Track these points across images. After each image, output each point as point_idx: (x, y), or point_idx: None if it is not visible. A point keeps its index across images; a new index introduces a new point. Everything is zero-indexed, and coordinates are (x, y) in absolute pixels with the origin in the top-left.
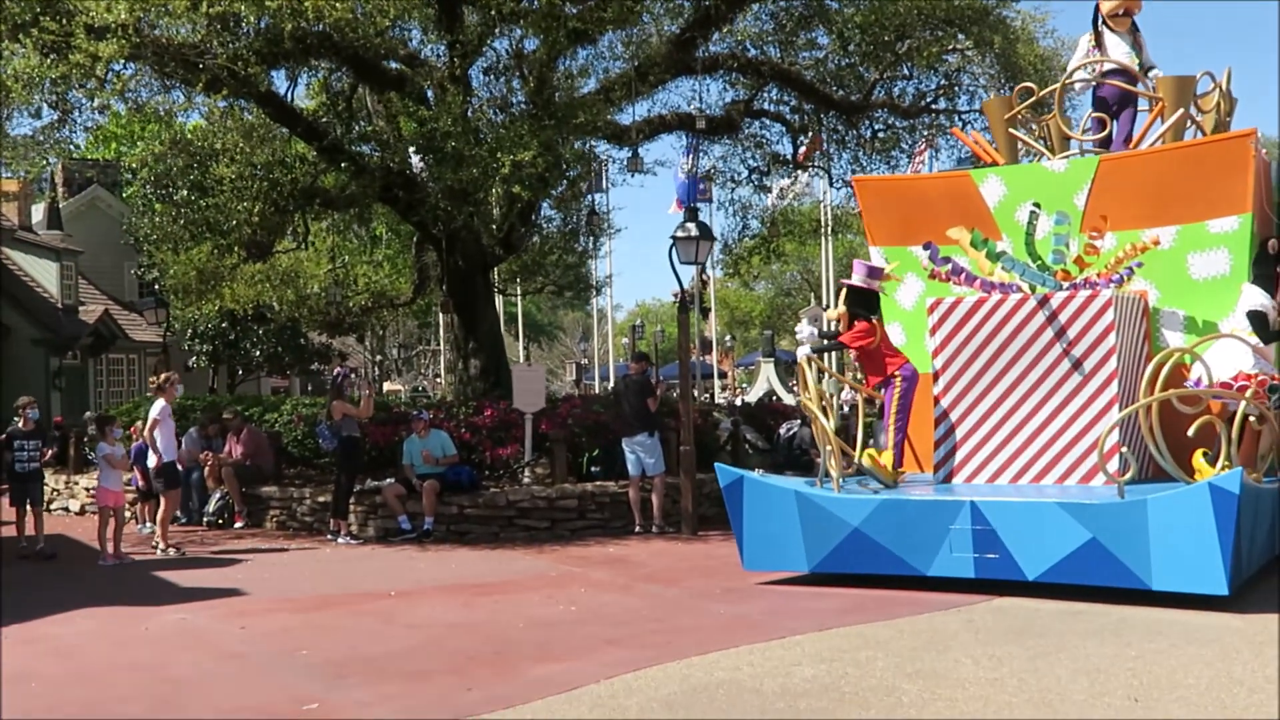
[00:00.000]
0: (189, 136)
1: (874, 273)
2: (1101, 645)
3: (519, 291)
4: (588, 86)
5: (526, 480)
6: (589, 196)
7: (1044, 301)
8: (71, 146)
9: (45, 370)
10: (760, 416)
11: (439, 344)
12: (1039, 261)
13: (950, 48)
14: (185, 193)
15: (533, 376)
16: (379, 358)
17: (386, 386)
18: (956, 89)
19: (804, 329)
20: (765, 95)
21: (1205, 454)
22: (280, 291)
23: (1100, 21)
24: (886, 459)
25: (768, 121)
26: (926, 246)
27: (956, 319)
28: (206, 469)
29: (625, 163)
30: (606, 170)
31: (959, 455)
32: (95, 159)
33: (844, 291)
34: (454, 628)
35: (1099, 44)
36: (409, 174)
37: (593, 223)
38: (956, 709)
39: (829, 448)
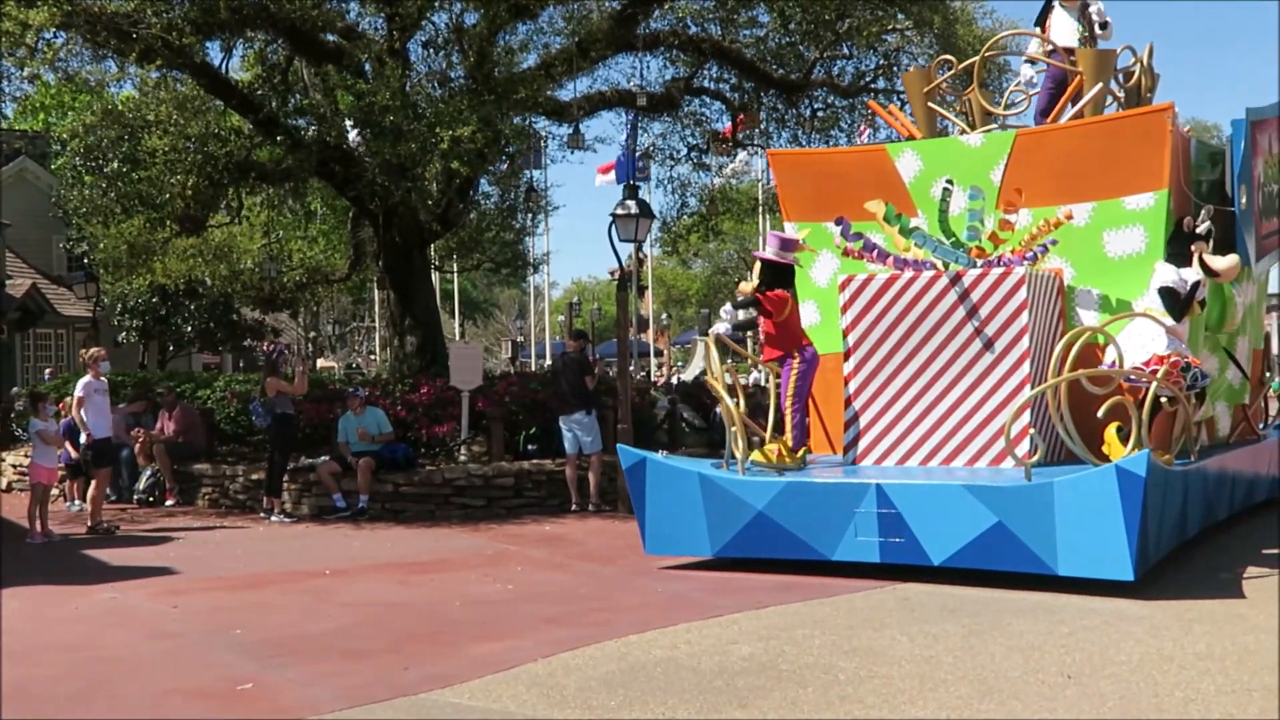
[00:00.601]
0: (121, 108)
1: (788, 245)
2: (1035, 623)
3: (455, 268)
4: (528, 62)
5: (463, 458)
6: (527, 173)
7: (956, 279)
8: None
9: None
10: (697, 395)
11: (374, 321)
12: (953, 238)
13: (890, 27)
14: (116, 165)
15: (470, 354)
16: (313, 334)
17: (320, 363)
18: (896, 69)
19: (727, 309)
20: (705, 73)
21: (1120, 429)
22: (213, 266)
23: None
24: (784, 443)
25: (708, 99)
26: (838, 221)
27: (868, 297)
28: (137, 446)
29: (565, 139)
30: (545, 146)
31: (869, 437)
32: (23, 130)
33: (757, 266)
34: (390, 606)
35: (1041, 23)
36: (346, 148)
37: (531, 199)
38: (892, 685)
39: (734, 429)
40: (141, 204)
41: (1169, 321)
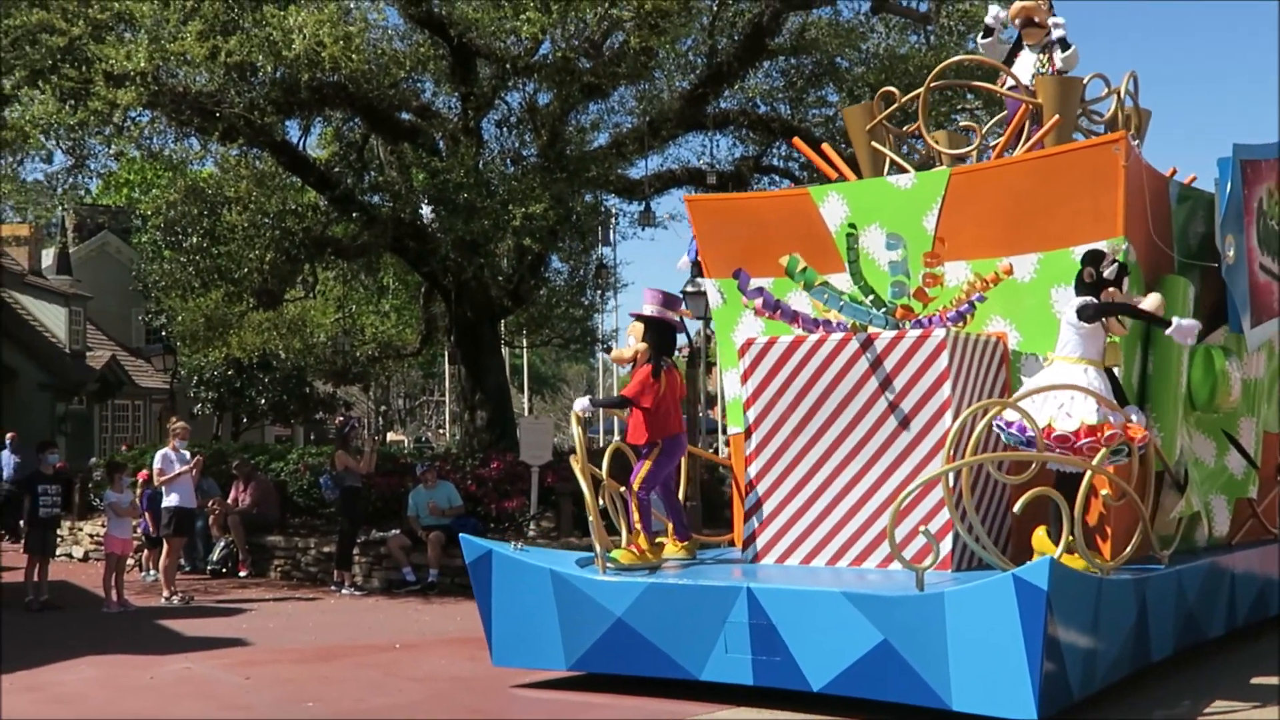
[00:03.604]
0: (202, 184)
1: (670, 302)
2: None
3: (525, 344)
4: (599, 140)
5: (532, 533)
6: (597, 250)
7: (868, 343)
8: (83, 192)
9: (51, 415)
10: None
11: (444, 395)
12: (873, 295)
13: (960, 107)
14: (196, 240)
15: (539, 429)
16: (383, 408)
17: (390, 437)
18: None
19: (584, 404)
20: (774, 151)
21: (1049, 530)
22: (287, 340)
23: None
24: (644, 537)
25: (777, 177)
26: (736, 274)
27: (770, 364)
28: (212, 518)
29: (635, 216)
30: (616, 223)
31: (771, 530)
32: (107, 205)
33: (637, 326)
34: (459, 681)
35: (1010, 60)
36: (420, 224)
37: (601, 276)
38: None
39: (592, 519)
40: (219, 278)
41: (1099, 385)
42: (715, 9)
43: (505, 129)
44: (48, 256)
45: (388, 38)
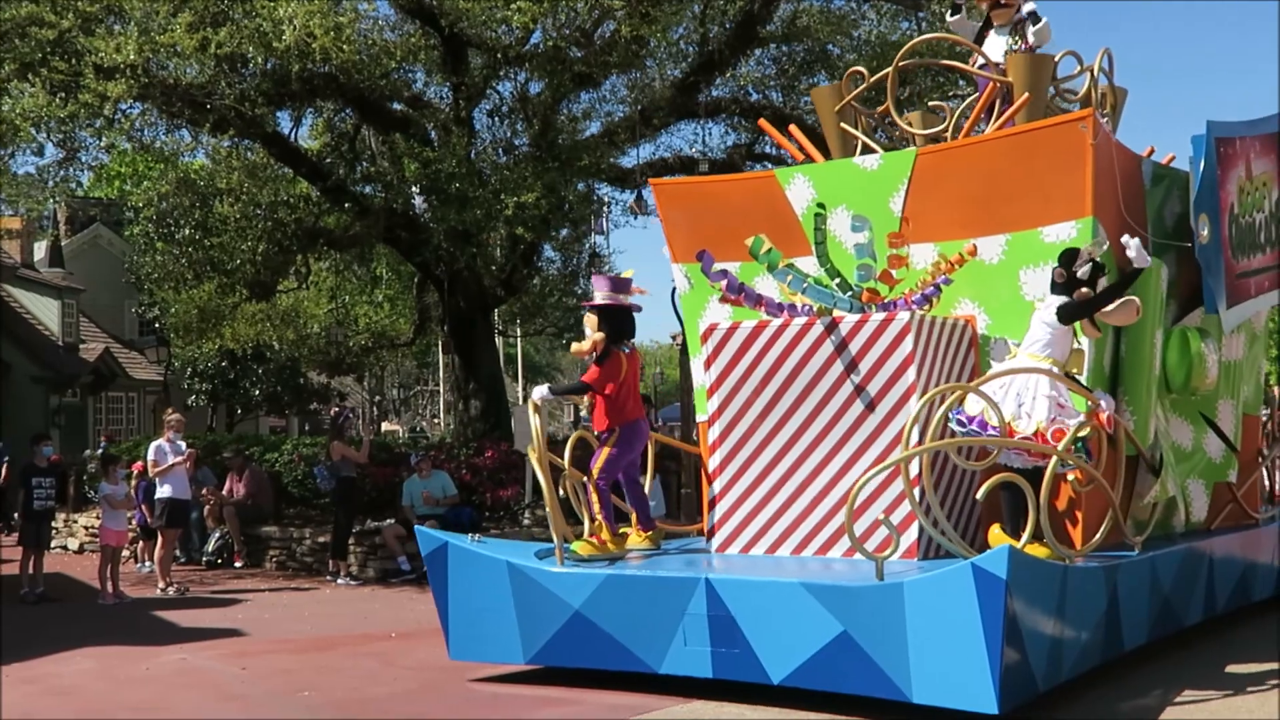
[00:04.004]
0: (193, 176)
1: (619, 285)
2: None
3: (519, 333)
4: (591, 129)
5: (526, 522)
6: (590, 238)
7: (832, 327)
8: (75, 185)
9: (45, 408)
10: None
11: (438, 385)
12: (839, 279)
13: (951, 94)
14: (188, 232)
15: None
16: (377, 398)
17: (384, 426)
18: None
19: (542, 391)
20: (767, 138)
21: (1002, 528)
22: (280, 331)
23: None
24: (605, 527)
25: (770, 165)
26: (700, 256)
27: (732, 350)
28: (206, 508)
29: (627, 205)
30: (609, 212)
31: (735, 519)
32: (98, 197)
33: (591, 318)
34: (454, 670)
35: (980, 39)
36: (412, 215)
37: (594, 265)
38: None
39: (549, 510)
40: (212, 270)
41: (1054, 323)
42: None
43: (497, 119)
44: (40, 249)
45: (378, 28)
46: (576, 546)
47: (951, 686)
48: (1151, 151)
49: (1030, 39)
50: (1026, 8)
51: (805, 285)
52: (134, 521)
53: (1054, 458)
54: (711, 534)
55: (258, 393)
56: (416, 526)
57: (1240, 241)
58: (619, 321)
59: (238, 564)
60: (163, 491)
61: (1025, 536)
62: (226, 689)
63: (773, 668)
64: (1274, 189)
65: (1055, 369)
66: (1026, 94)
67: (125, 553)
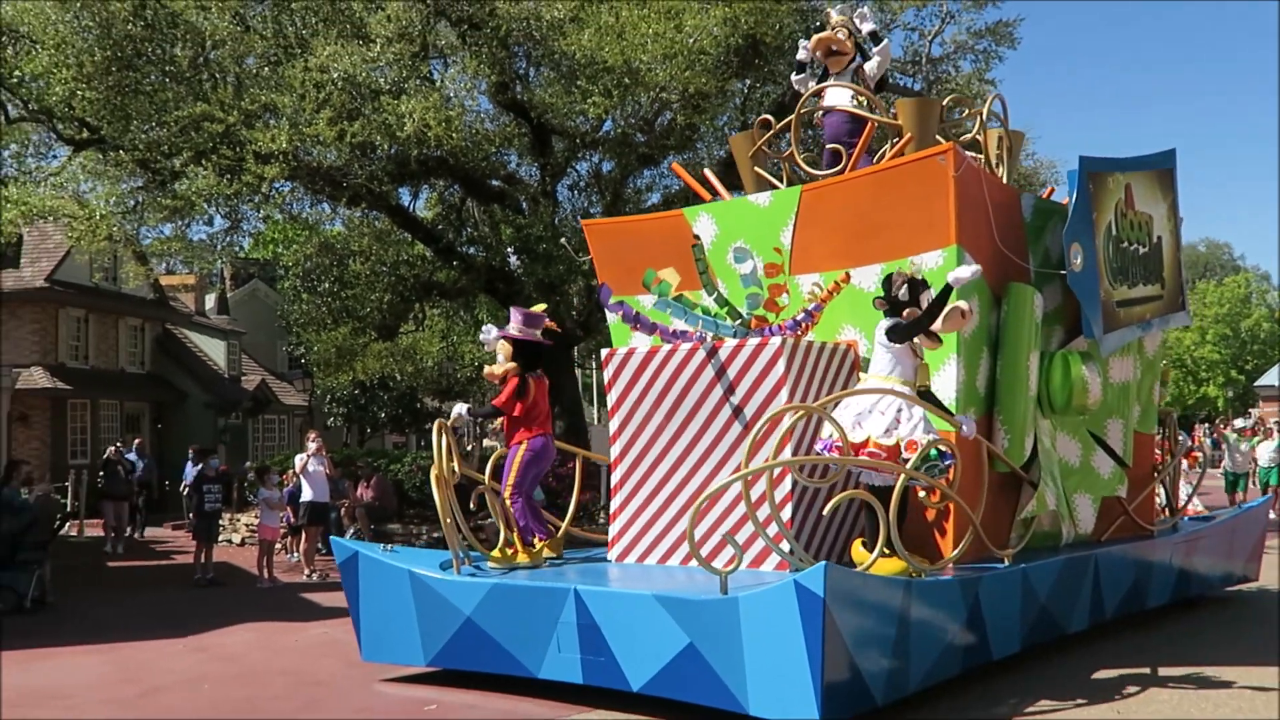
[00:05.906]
0: (332, 240)
1: (531, 320)
2: None
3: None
4: (652, 199)
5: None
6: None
7: (713, 352)
8: (238, 249)
9: (214, 428)
10: None
11: None
12: (728, 307)
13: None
14: (328, 285)
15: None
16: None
17: (486, 443)
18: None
19: (461, 409)
20: None
21: (863, 542)
22: (402, 365)
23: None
24: (516, 539)
25: None
26: (599, 289)
27: (629, 374)
28: (342, 509)
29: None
30: None
31: (632, 531)
32: (257, 258)
33: (504, 346)
34: None
35: (820, 94)
36: (507, 270)
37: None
38: None
39: (449, 521)
40: (347, 316)
41: (889, 343)
42: (745, 92)
43: (576, 191)
44: (210, 300)
45: (480, 120)
46: (497, 553)
47: (781, 700)
48: (1051, 192)
49: (871, 70)
50: (866, 28)
51: (686, 314)
52: (284, 520)
53: (901, 474)
54: (611, 545)
55: (383, 415)
56: (332, 538)
57: (1120, 268)
58: (529, 352)
59: None
60: (306, 495)
61: (875, 552)
62: (358, 658)
63: (633, 675)
64: (1154, 226)
65: (908, 389)
66: (908, 134)
67: (278, 545)
